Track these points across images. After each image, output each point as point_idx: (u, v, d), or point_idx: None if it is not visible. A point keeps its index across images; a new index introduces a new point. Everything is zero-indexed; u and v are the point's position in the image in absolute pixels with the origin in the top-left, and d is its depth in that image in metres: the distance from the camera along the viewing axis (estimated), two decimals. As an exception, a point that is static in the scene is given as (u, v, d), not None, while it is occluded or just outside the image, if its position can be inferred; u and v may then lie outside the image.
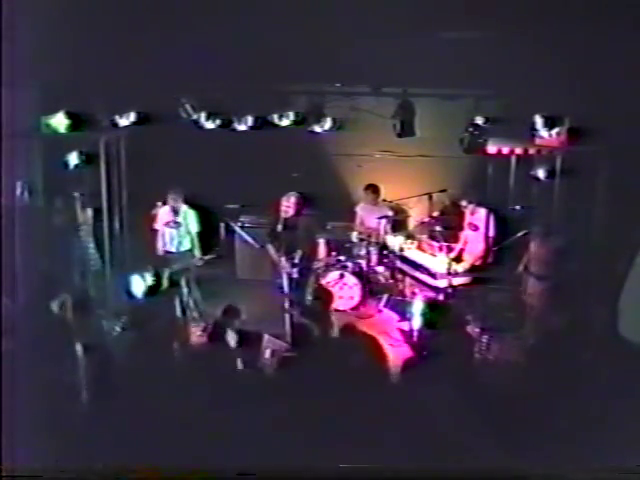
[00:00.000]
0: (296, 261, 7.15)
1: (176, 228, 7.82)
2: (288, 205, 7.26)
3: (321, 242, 8.06)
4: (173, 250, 7.91)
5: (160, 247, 7.94)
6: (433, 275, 7.85)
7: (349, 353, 6.08)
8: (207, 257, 7.81)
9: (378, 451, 4.61)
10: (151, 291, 7.33)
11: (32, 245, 7.31)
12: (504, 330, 6.79)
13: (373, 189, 8.48)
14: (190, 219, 7.85)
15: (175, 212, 7.83)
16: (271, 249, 7.39)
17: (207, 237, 8.06)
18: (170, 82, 7.12)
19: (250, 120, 7.73)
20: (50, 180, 7.83)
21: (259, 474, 4.55)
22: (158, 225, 7.95)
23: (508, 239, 7.61)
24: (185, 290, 7.49)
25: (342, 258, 8.20)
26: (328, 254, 8.22)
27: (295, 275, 7.12)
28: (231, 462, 4.56)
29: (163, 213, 7.91)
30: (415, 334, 6.71)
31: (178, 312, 7.39)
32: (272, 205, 7.59)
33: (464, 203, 8.01)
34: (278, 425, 4.90)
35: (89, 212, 7.91)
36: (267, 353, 6.38)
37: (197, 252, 7.87)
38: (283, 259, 7.19)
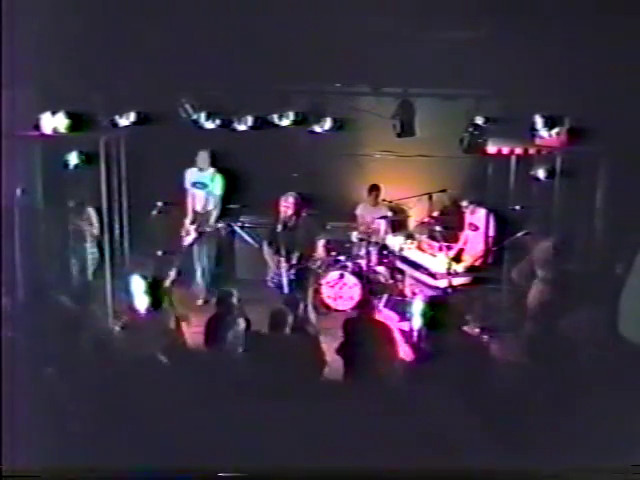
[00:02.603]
0: (294, 262, 7.16)
1: (202, 189, 8.03)
2: (287, 205, 7.28)
3: (320, 243, 8.07)
4: (199, 210, 8.12)
5: (189, 208, 8.12)
6: (433, 275, 7.85)
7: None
8: (218, 225, 8.02)
9: (378, 451, 4.60)
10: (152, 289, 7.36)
11: (32, 245, 7.31)
12: (504, 330, 6.79)
13: (376, 189, 8.50)
14: (216, 181, 8.02)
15: (202, 172, 8.03)
16: (266, 250, 7.39)
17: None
18: (170, 82, 7.12)
19: (250, 120, 7.74)
20: (50, 180, 7.83)
21: (258, 474, 4.55)
22: (186, 184, 8.11)
23: (508, 239, 7.62)
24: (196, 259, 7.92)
25: (342, 258, 8.21)
26: (327, 254, 8.22)
27: (292, 276, 7.14)
28: (231, 462, 4.55)
29: (190, 173, 8.08)
30: (415, 334, 6.70)
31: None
32: (272, 205, 7.59)
33: (465, 203, 8.01)
34: (277, 425, 4.89)
35: (91, 211, 7.93)
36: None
37: (213, 216, 8.02)
38: (283, 259, 7.19)
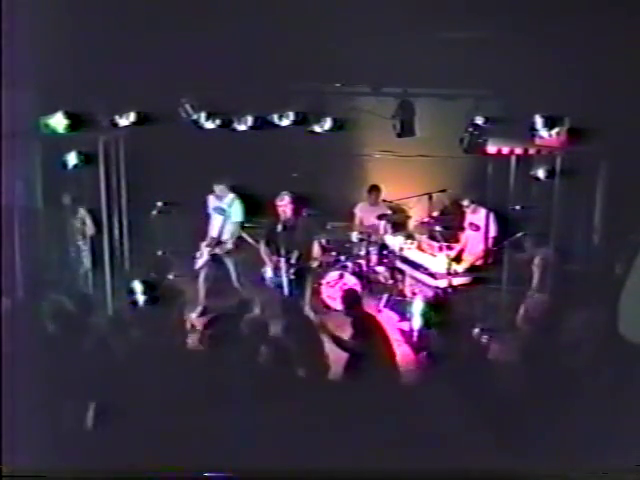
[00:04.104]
0: (293, 262, 7.17)
1: (221, 214, 7.86)
2: (283, 205, 7.24)
3: (316, 244, 8.06)
4: (215, 236, 7.88)
5: (209, 232, 7.92)
6: (433, 275, 7.85)
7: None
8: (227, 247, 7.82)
9: (378, 451, 4.60)
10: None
11: (32, 245, 7.31)
12: (504, 330, 6.79)
13: (376, 189, 8.51)
14: (235, 208, 7.82)
15: (220, 199, 7.86)
16: (264, 249, 7.40)
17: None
18: (170, 82, 7.11)
19: (250, 120, 7.73)
20: (49, 180, 7.83)
21: (259, 474, 4.55)
22: (209, 209, 7.99)
23: (508, 239, 7.62)
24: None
25: (342, 258, 8.21)
26: (327, 254, 8.23)
27: (292, 276, 7.15)
28: (231, 463, 4.55)
29: (211, 199, 7.95)
30: (415, 334, 6.70)
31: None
32: (271, 205, 7.59)
33: (465, 202, 8.01)
34: (277, 425, 4.89)
35: (82, 212, 7.95)
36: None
37: (228, 244, 7.80)
38: (282, 259, 7.19)
